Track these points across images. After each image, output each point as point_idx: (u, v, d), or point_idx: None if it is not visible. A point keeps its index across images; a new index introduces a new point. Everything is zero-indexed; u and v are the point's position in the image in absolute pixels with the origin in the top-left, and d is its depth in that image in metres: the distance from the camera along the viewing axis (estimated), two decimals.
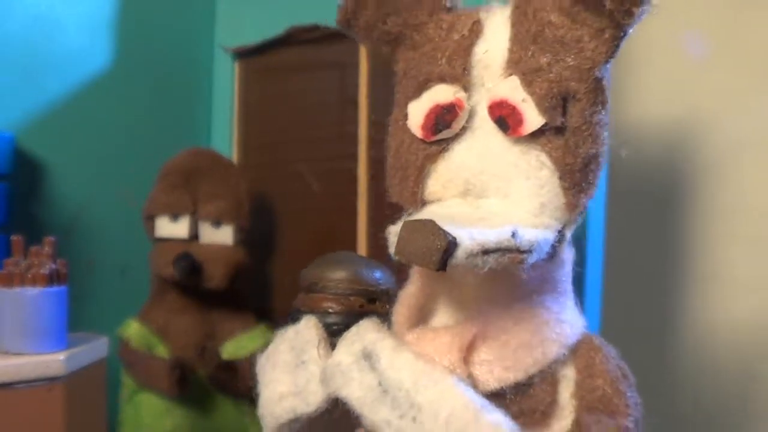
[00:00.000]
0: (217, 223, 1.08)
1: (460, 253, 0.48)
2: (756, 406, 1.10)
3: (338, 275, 0.69)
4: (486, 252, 0.49)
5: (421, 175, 0.60)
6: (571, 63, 0.56)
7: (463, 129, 0.59)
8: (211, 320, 1.09)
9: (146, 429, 1.04)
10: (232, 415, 1.08)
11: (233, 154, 1.31)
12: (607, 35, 0.56)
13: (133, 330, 1.05)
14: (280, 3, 1.24)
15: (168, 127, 1.28)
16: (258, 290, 1.24)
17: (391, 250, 0.51)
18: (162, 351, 1.05)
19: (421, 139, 0.60)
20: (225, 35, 1.32)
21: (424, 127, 0.59)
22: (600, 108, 0.57)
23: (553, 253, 0.57)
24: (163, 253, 1.05)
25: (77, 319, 0.93)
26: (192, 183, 1.08)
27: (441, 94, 0.59)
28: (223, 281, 1.06)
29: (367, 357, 0.57)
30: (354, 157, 1.12)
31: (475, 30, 0.60)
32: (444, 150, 0.59)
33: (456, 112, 0.58)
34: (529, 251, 0.52)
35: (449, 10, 0.63)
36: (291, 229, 1.24)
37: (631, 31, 0.56)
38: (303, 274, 0.72)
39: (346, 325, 0.64)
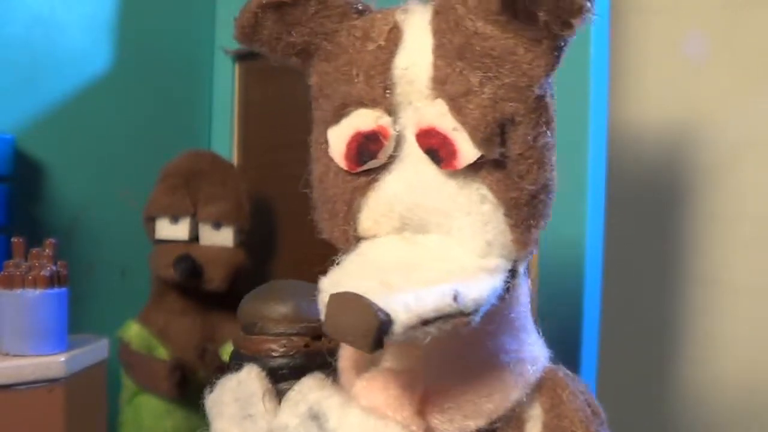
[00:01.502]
0: (217, 224, 1.08)
1: (396, 329, 0.42)
2: (757, 412, 1.10)
3: (278, 312, 0.63)
4: (426, 323, 0.43)
5: (350, 210, 0.53)
6: (506, 81, 0.48)
7: (392, 157, 0.52)
8: (211, 322, 1.09)
9: (146, 431, 1.04)
10: None
11: (233, 156, 1.31)
12: (544, 46, 0.48)
13: (134, 332, 1.05)
14: None
15: (168, 129, 1.28)
16: None
17: (321, 318, 0.45)
18: (162, 353, 1.05)
19: (345, 170, 0.53)
20: (225, 37, 1.32)
21: (347, 157, 0.52)
22: (544, 129, 0.50)
23: (506, 293, 0.51)
24: (163, 254, 1.05)
25: (77, 321, 0.93)
26: (192, 185, 1.08)
27: (361, 120, 0.51)
28: (224, 283, 1.06)
29: (314, 417, 0.53)
30: None
31: (393, 38, 0.52)
32: (373, 180, 0.52)
33: (381, 142, 0.50)
34: (475, 311, 0.46)
35: (361, 12, 0.55)
36: (291, 231, 1.24)
37: (571, 40, 0.48)
38: (240, 310, 0.67)
39: (292, 369, 0.60)
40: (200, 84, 1.34)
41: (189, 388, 1.02)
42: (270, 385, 0.60)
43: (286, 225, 1.25)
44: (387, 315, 0.41)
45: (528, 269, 0.58)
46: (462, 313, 0.45)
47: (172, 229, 1.07)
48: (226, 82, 1.32)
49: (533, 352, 0.56)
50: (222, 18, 1.34)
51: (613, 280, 1.03)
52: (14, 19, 1.07)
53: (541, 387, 0.56)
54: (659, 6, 1.16)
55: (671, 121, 1.15)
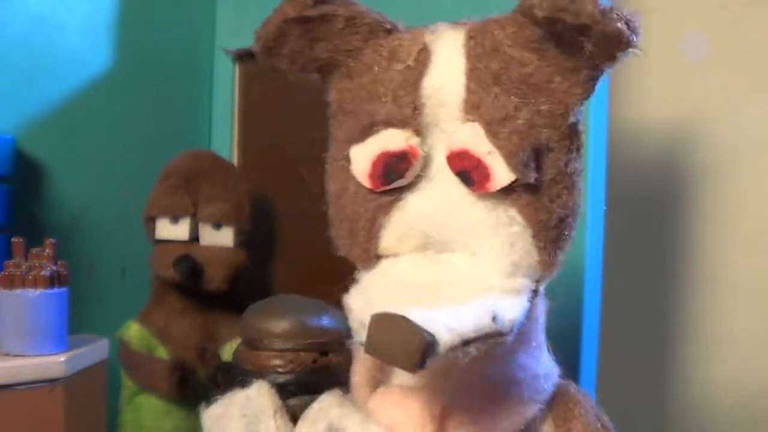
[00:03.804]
0: (217, 225, 1.08)
1: (440, 350, 0.42)
2: (759, 412, 1.10)
3: (283, 328, 0.63)
4: (466, 343, 0.44)
5: (372, 229, 0.53)
6: (542, 108, 0.49)
7: (418, 176, 0.52)
8: (211, 322, 1.09)
9: (146, 431, 1.04)
10: None
11: (234, 156, 1.31)
12: (581, 75, 0.50)
13: (134, 332, 1.05)
14: None
15: (168, 129, 1.28)
16: (258, 292, 1.24)
17: (356, 337, 0.46)
18: (162, 353, 1.05)
19: (368, 188, 0.53)
20: (225, 38, 1.33)
21: (372, 176, 0.52)
22: (575, 155, 0.52)
23: (528, 312, 0.52)
24: (163, 254, 1.05)
25: (78, 321, 0.93)
26: (192, 185, 1.08)
27: (390, 140, 0.52)
28: (224, 283, 1.06)
29: None
30: None
31: (422, 59, 0.52)
32: (397, 199, 0.53)
33: (409, 161, 0.51)
34: (511, 331, 0.47)
35: (389, 31, 0.55)
36: (292, 231, 1.24)
37: (608, 71, 0.50)
38: (242, 326, 0.67)
39: (299, 385, 0.60)
40: (200, 84, 1.34)
41: (189, 388, 1.02)
42: (280, 402, 0.60)
43: (286, 225, 1.25)
44: (431, 336, 0.41)
45: None
46: (499, 333, 0.46)
47: (172, 230, 1.07)
48: (226, 82, 1.32)
49: (547, 368, 0.57)
50: (222, 18, 1.34)
51: (613, 280, 1.03)
52: (14, 20, 1.07)
53: (553, 403, 0.57)
54: (659, 6, 1.16)
55: (671, 121, 1.15)
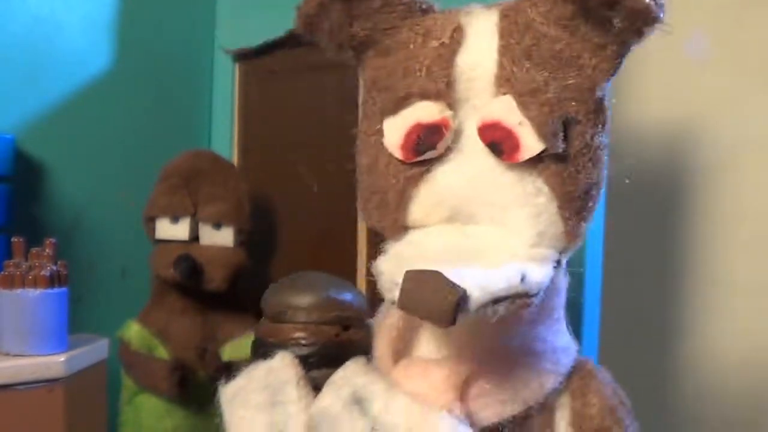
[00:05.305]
0: (217, 224, 1.08)
1: (471, 306, 0.44)
2: (756, 410, 1.10)
3: (306, 301, 0.63)
4: (496, 301, 0.45)
5: (402, 200, 0.55)
6: (571, 82, 0.51)
7: (448, 149, 0.54)
8: (211, 322, 1.09)
9: (146, 430, 1.04)
10: None
11: (233, 156, 1.31)
12: (609, 51, 0.52)
13: (134, 332, 1.05)
14: (281, 5, 1.23)
15: (169, 129, 1.28)
16: (258, 292, 1.24)
17: (388, 296, 0.47)
18: (162, 353, 1.05)
19: (399, 160, 0.55)
20: (225, 37, 1.32)
21: (404, 147, 0.54)
22: (601, 130, 0.53)
23: (550, 283, 0.53)
24: (163, 254, 1.05)
25: (78, 321, 0.93)
26: (192, 185, 1.08)
27: (423, 112, 0.54)
28: (224, 283, 1.06)
29: (358, 401, 0.54)
30: (354, 158, 1.12)
31: (456, 37, 0.54)
32: (426, 171, 0.55)
33: (442, 133, 0.53)
34: (537, 294, 0.49)
35: (425, 12, 0.57)
36: (291, 231, 1.24)
37: (635, 48, 0.51)
38: (266, 300, 0.67)
39: (322, 357, 0.60)
40: (200, 84, 1.34)
41: (189, 388, 1.02)
42: (303, 372, 0.60)
43: (286, 225, 1.25)
44: (464, 291, 0.43)
45: None
46: (527, 294, 0.48)
47: (172, 229, 1.07)
48: (226, 82, 1.32)
49: (565, 342, 0.59)
50: (222, 18, 1.34)
51: (613, 279, 1.03)
52: (15, 20, 1.07)
53: (571, 377, 0.58)
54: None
55: (671, 121, 1.15)
